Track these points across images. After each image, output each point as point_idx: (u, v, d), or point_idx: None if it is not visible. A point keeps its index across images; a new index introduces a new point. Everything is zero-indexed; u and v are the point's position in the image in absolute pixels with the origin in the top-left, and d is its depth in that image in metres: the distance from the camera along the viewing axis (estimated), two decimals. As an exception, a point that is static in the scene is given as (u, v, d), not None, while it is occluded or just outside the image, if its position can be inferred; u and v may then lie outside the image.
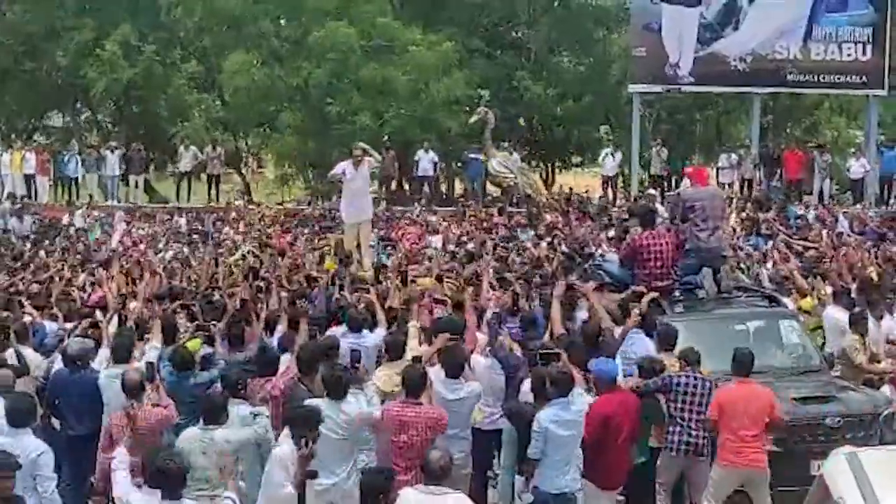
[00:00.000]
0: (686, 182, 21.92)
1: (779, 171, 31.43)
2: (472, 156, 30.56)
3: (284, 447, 8.62)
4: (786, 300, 14.34)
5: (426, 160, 31.61)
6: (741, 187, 30.98)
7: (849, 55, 31.21)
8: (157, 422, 9.75)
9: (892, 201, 30.11)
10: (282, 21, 35.32)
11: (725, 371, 11.51)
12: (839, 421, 11.46)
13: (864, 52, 31.15)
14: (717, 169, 32.12)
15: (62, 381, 10.91)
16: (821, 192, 30.40)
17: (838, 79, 31.55)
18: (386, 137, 32.94)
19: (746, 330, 13.05)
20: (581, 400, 10.25)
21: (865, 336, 13.22)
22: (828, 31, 31.18)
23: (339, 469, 9.23)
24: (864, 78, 31.32)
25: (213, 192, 32.43)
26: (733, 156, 32.03)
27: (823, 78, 31.53)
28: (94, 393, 10.68)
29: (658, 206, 24.97)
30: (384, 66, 33.33)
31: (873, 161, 31.26)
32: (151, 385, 10.04)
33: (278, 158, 36.37)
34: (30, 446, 8.97)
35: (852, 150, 35.29)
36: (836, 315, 14.07)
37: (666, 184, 32.50)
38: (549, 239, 20.46)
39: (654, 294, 12.66)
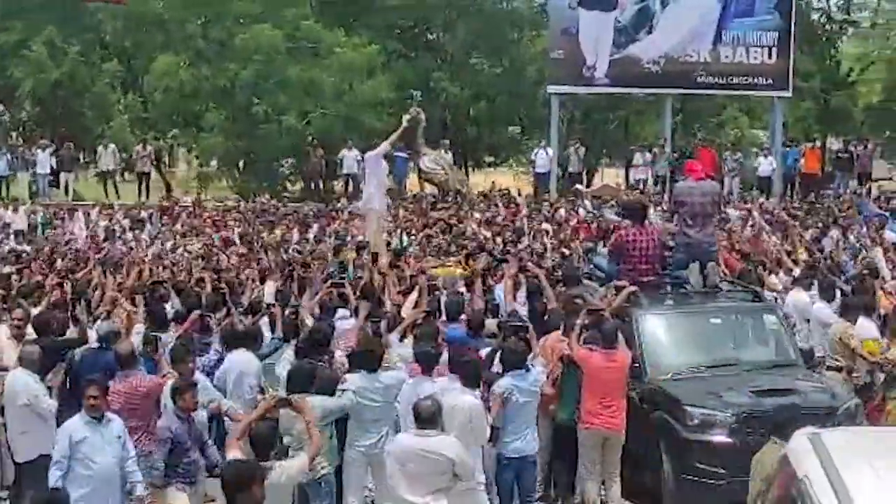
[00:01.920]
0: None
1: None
2: (399, 154, 31.44)
3: None
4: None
5: (350, 158, 32.40)
6: (655, 184, 32.29)
7: (756, 59, 32.70)
8: (148, 389, 10.55)
9: (794, 197, 31.66)
10: (209, 23, 35.88)
11: (702, 364, 12.40)
12: (794, 414, 11.29)
13: (770, 56, 32.66)
14: (632, 167, 33.47)
15: (89, 362, 11.64)
16: (730, 190, 31.86)
17: (746, 81, 33.03)
18: (311, 137, 33.73)
19: (723, 324, 13.27)
20: (540, 370, 11.33)
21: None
22: (736, 35, 32.62)
23: (376, 431, 10.20)
24: (770, 80, 32.84)
25: (144, 189, 32.85)
26: (647, 154, 33.34)
27: (732, 80, 32.98)
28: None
29: (586, 201, 26.38)
30: (310, 67, 34.22)
31: (779, 160, 32.83)
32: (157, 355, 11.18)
33: (205, 157, 36.87)
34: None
35: (755, 149, 36.90)
36: (799, 296, 14.63)
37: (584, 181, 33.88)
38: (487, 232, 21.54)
39: (632, 288, 12.93)
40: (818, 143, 39.08)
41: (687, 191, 14.19)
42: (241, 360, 11.72)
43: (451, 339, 12.01)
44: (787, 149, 33.61)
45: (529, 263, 14.78)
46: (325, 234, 23.03)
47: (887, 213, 23.85)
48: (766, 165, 32.78)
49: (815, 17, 41.12)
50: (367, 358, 10.36)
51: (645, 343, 12.59)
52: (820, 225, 21.66)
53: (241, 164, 37.24)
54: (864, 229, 20.39)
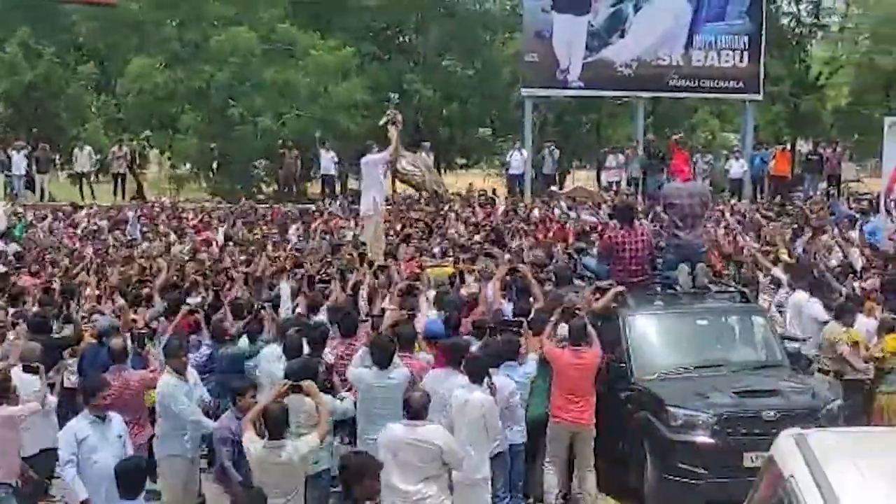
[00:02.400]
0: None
1: (664, 169, 33.11)
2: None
3: None
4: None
5: (327, 159, 32.63)
6: (628, 185, 32.62)
7: (727, 62, 33.09)
8: (140, 384, 11.04)
9: (764, 199, 32.07)
10: (183, 25, 36.01)
11: (688, 364, 12.65)
12: (775, 415, 11.57)
13: (741, 60, 33.08)
14: (605, 169, 33.84)
15: (90, 357, 11.87)
16: (702, 192, 32.19)
17: (717, 84, 33.45)
18: (281, 140, 33.90)
19: (710, 325, 13.50)
20: (532, 364, 11.72)
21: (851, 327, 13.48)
22: (707, 39, 33.01)
23: (382, 423, 10.29)
24: (741, 84, 33.28)
25: (120, 191, 32.96)
26: (620, 156, 33.69)
27: (703, 83, 33.37)
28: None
29: (561, 202, 26.68)
30: (285, 69, 34.42)
31: (749, 162, 33.24)
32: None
33: (179, 158, 37.01)
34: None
35: (725, 152, 37.35)
36: (798, 295, 14.84)
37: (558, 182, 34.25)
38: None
39: (619, 288, 13.15)
40: (788, 146, 39.54)
41: (675, 192, 14.55)
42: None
43: (430, 332, 12.37)
44: (758, 151, 34.03)
45: (521, 265, 15.01)
46: (309, 234, 23.20)
47: (857, 214, 24.26)
48: (736, 168, 33.18)
49: (784, 21, 41.64)
50: (381, 355, 10.70)
51: (632, 343, 12.81)
52: (795, 226, 22.00)
53: (215, 165, 37.38)
54: (836, 230, 20.75)
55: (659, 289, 14.00)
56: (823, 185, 33.34)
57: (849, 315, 13.64)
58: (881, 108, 39.83)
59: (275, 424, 8.97)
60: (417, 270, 16.14)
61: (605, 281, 13.68)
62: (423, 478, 9.19)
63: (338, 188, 34.32)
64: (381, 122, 29.06)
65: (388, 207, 27.29)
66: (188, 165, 38.35)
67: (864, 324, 13.73)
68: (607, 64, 32.91)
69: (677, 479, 11.64)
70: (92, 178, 34.34)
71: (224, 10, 35.26)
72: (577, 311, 12.51)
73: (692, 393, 12.05)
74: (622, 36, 32.98)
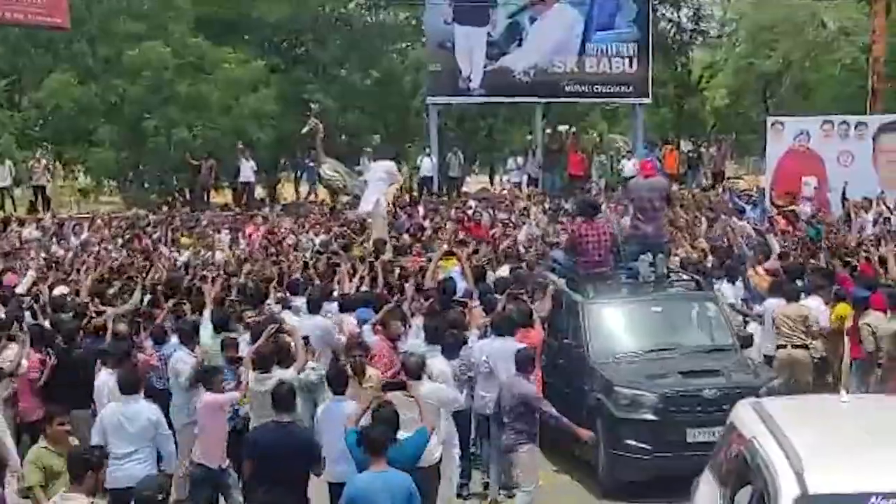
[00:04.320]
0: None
1: (561, 168, 35.19)
2: (310, 163, 33.30)
3: None
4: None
5: (247, 168, 33.99)
6: (528, 185, 34.55)
7: (618, 68, 35.22)
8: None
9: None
10: (94, 41, 36.93)
11: (642, 348, 13.57)
12: (716, 393, 12.36)
13: (631, 66, 35.21)
14: (507, 171, 35.80)
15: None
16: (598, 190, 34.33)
17: (609, 89, 35.62)
18: (188, 153, 34.98)
19: (664, 311, 14.27)
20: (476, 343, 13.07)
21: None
22: (599, 47, 35.08)
23: None
24: (631, 88, 35.46)
25: (41, 202, 33.78)
26: (519, 159, 35.76)
27: (596, 88, 35.51)
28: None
29: (471, 202, 28.44)
30: (198, 82, 35.67)
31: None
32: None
33: (97, 171, 37.90)
34: (143, 410, 10.72)
35: (611, 152, 39.46)
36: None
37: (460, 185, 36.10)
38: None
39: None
40: (674, 146, 41.87)
41: (636, 187, 15.69)
42: None
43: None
44: (649, 151, 36.21)
45: (455, 249, 16.77)
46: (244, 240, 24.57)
47: (746, 206, 26.54)
48: (629, 167, 35.19)
49: (667, 27, 44.05)
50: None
51: (590, 329, 13.67)
52: (710, 215, 23.97)
53: (129, 176, 38.42)
54: (731, 219, 22.81)
55: (621, 278, 14.79)
56: (705, 181, 35.61)
57: (795, 294, 14.61)
58: (757, 109, 42.64)
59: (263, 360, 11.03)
60: (423, 263, 17.55)
61: (574, 272, 14.57)
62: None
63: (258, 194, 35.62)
64: (304, 131, 31.12)
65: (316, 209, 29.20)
66: (107, 179, 39.18)
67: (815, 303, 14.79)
68: (507, 72, 34.70)
69: (626, 454, 12.54)
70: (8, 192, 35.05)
71: (134, 26, 36.29)
72: (521, 296, 14.01)
73: (640, 374, 12.97)
74: (520, 45, 34.79)
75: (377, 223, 21.23)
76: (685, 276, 15.34)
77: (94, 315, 14.14)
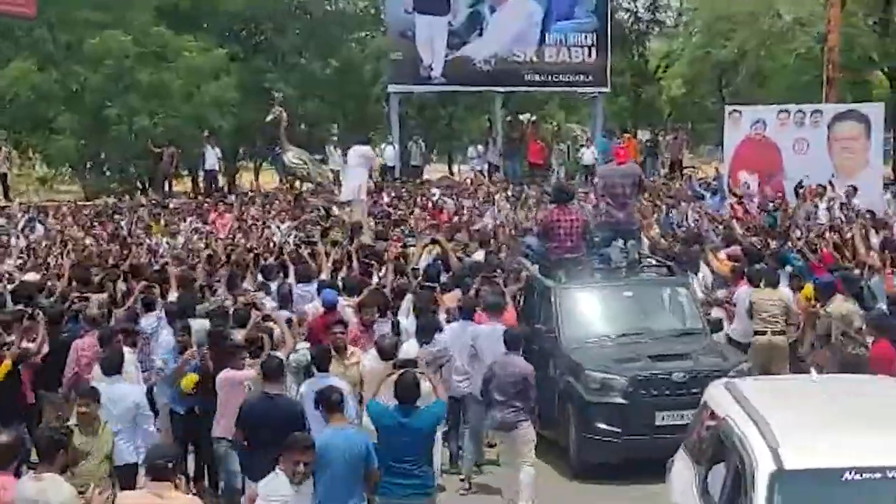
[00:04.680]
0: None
1: (521, 155, 35.60)
2: (278, 150, 33.46)
3: None
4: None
5: (212, 155, 34.12)
6: (489, 172, 34.93)
7: (577, 57, 35.66)
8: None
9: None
10: (54, 28, 36.85)
11: (613, 333, 13.76)
12: (684, 377, 12.63)
13: (590, 55, 35.67)
14: (468, 159, 36.14)
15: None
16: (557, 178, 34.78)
17: (569, 78, 36.03)
18: (150, 140, 35.06)
19: (635, 296, 14.40)
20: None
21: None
22: (558, 37, 35.57)
23: None
24: (590, 77, 35.88)
25: (2, 191, 33.79)
26: (480, 147, 36.14)
27: (556, 77, 35.94)
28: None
29: (433, 190, 28.78)
30: (159, 71, 35.72)
31: (599, 150, 35.87)
32: None
33: (57, 159, 37.84)
34: (127, 392, 10.94)
35: (569, 142, 39.94)
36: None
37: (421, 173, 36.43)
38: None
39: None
40: (632, 135, 42.38)
41: (608, 173, 15.97)
42: None
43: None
44: (607, 140, 36.65)
45: (437, 236, 17.19)
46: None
47: (705, 193, 27.08)
48: (588, 155, 35.71)
49: (624, 17, 44.54)
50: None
51: (562, 315, 13.83)
52: (669, 202, 24.45)
53: (88, 165, 38.40)
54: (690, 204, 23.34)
55: (594, 264, 14.89)
56: (663, 170, 36.11)
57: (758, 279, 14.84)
58: (713, 98, 43.21)
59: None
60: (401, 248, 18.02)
61: (546, 258, 14.80)
62: None
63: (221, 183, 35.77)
64: (268, 119, 31.28)
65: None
66: (65, 168, 39.14)
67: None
68: (467, 61, 35.12)
69: (596, 437, 12.77)
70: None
71: (95, 15, 36.25)
72: (494, 280, 14.36)
73: (610, 358, 13.17)
74: (480, 35, 35.27)
75: (356, 208, 21.47)
76: (656, 262, 15.55)
77: (75, 301, 14.24)
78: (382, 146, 36.11)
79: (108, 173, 38.09)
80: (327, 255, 16.73)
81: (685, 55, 44.98)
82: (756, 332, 14.51)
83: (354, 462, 9.06)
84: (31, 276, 17.01)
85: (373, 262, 16.51)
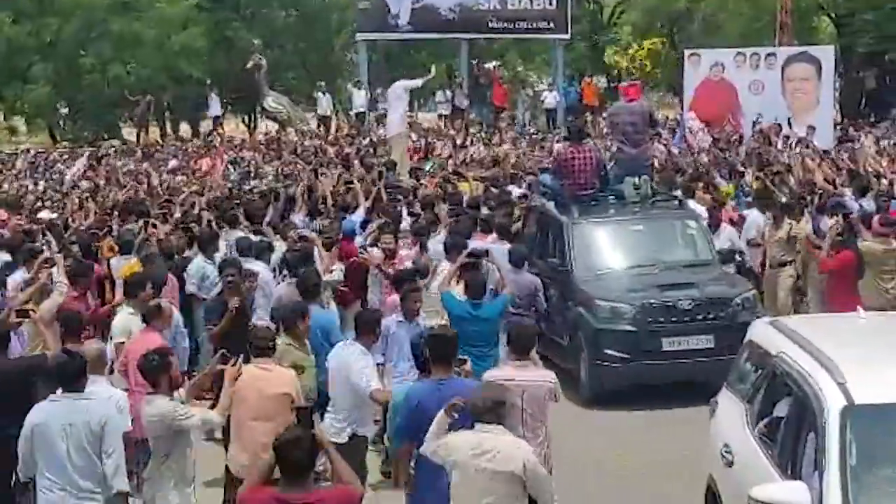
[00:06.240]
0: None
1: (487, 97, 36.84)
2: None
3: None
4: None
5: (216, 103, 35.39)
6: (456, 116, 36.04)
7: (538, 6, 36.61)
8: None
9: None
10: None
11: (624, 265, 14.15)
12: (690, 304, 13.05)
13: (550, 3, 36.66)
14: (437, 104, 37.32)
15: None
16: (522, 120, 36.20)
17: (530, 26, 37.14)
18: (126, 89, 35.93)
19: (646, 229, 14.71)
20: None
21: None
22: (520, -16, 36.64)
23: None
24: (551, 25, 36.98)
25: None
26: (447, 91, 37.34)
27: (518, 25, 37.02)
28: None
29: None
30: (132, 20, 36.59)
31: (561, 95, 37.18)
32: None
33: (31, 108, 38.57)
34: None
35: (529, 88, 41.17)
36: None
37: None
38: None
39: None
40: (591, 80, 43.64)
41: (618, 111, 16.39)
42: None
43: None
44: (567, 84, 38.01)
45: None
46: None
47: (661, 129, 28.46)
48: (550, 99, 37.06)
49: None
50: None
51: (574, 248, 14.17)
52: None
53: (65, 114, 39.24)
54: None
55: (608, 200, 15.19)
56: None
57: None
58: (665, 45, 44.51)
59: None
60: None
61: (563, 196, 15.02)
62: None
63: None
64: (248, 66, 32.31)
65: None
66: (39, 118, 39.85)
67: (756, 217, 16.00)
68: (433, 9, 35.94)
69: (605, 364, 13.15)
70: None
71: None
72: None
73: (620, 289, 13.61)
74: (445, -18, 36.22)
75: (397, 146, 22.47)
76: (668, 196, 15.79)
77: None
78: (353, 92, 37.04)
79: (81, 122, 38.94)
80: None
81: (637, 3, 46.09)
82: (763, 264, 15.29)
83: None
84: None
85: (399, 197, 17.48)
